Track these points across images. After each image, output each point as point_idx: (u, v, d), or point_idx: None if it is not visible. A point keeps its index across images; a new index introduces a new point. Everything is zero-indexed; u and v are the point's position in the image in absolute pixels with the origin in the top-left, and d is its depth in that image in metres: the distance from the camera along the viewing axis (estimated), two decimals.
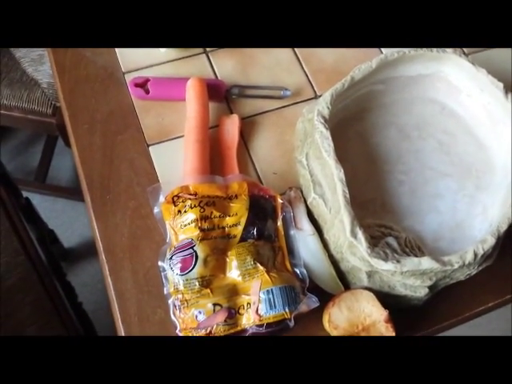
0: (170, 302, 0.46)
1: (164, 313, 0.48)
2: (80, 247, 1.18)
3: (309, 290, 0.47)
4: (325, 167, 0.48)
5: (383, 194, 0.51)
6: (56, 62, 0.61)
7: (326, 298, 0.46)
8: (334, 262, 0.48)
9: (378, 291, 0.46)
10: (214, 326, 0.44)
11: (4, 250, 0.72)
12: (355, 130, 0.55)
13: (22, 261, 0.72)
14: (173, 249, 0.47)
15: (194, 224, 0.47)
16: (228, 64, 0.62)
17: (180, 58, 0.62)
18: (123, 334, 0.48)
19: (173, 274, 0.46)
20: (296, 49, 0.63)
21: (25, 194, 0.96)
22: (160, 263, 0.48)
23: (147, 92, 0.58)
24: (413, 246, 0.48)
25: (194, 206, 0.47)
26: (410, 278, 0.44)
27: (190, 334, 0.44)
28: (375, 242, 0.46)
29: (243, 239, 0.47)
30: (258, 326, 0.44)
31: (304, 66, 0.62)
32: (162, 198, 0.50)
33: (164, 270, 0.47)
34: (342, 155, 0.47)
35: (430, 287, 0.46)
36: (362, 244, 0.43)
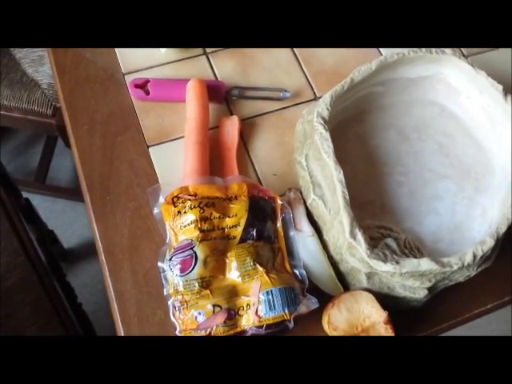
0: (169, 302, 0.46)
1: (164, 314, 0.48)
2: (80, 248, 1.18)
3: (308, 291, 0.47)
4: (324, 168, 0.48)
5: (383, 196, 0.52)
6: (56, 62, 0.61)
7: (325, 299, 0.46)
8: (334, 263, 0.48)
9: (377, 292, 0.46)
10: (214, 327, 0.44)
11: (4, 251, 0.72)
12: (355, 131, 0.55)
13: (21, 261, 0.72)
14: (172, 250, 0.47)
15: (193, 225, 0.47)
16: (228, 65, 0.62)
17: (180, 60, 0.62)
18: (123, 335, 0.48)
19: (172, 274, 0.46)
20: (296, 50, 0.63)
21: (25, 194, 0.96)
22: (160, 264, 0.48)
23: (147, 93, 0.58)
24: (412, 248, 0.48)
25: (194, 206, 0.47)
26: (410, 279, 0.44)
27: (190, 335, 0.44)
28: (374, 243, 0.46)
29: (243, 240, 0.48)
30: (257, 327, 0.44)
31: (304, 68, 0.62)
32: (161, 199, 0.50)
33: (164, 270, 0.47)
34: (341, 157, 0.47)
35: (430, 289, 0.46)
36: (361, 245, 0.43)
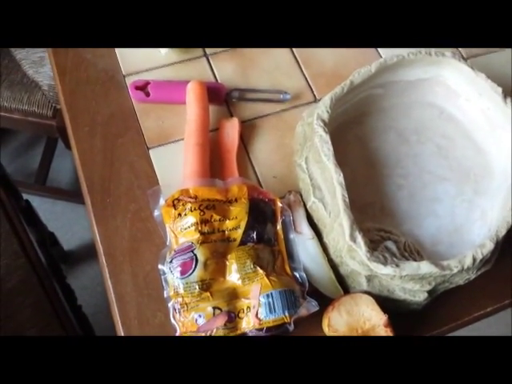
0: (169, 305, 0.46)
1: (164, 316, 0.48)
2: (80, 250, 1.18)
3: (308, 294, 0.47)
4: (324, 171, 0.48)
5: (382, 198, 0.52)
6: (57, 64, 0.61)
7: (325, 301, 0.46)
8: (334, 266, 0.49)
9: (377, 295, 0.46)
10: (214, 330, 0.44)
11: (4, 253, 0.72)
12: (354, 133, 0.55)
13: (21, 263, 0.72)
14: (173, 252, 0.47)
15: (194, 227, 0.47)
16: (228, 67, 0.62)
17: (180, 61, 0.62)
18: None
19: (173, 277, 0.46)
20: (296, 52, 0.64)
21: (25, 196, 0.96)
22: (160, 266, 0.48)
23: (147, 95, 0.58)
24: (412, 251, 0.48)
25: (194, 209, 0.48)
26: (409, 282, 0.44)
27: None
28: (374, 245, 0.46)
29: (243, 243, 0.48)
30: (257, 329, 0.44)
31: (304, 70, 0.62)
32: (162, 201, 0.50)
33: (164, 273, 0.47)
34: (341, 159, 0.47)
35: (429, 292, 0.46)
36: (361, 248, 0.43)
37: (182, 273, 0.45)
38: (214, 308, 0.45)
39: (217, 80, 0.61)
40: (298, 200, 0.52)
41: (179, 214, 0.48)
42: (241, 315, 0.45)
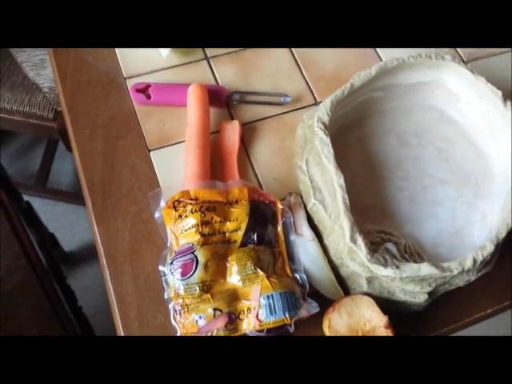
0: (170, 306, 0.46)
1: (164, 317, 0.48)
2: (80, 251, 1.18)
3: (309, 296, 0.47)
4: (325, 173, 0.48)
5: (383, 201, 0.52)
6: (58, 66, 0.62)
7: (325, 303, 0.47)
8: (334, 268, 0.49)
9: (377, 297, 0.46)
10: (215, 331, 0.44)
11: (4, 254, 0.72)
12: (355, 136, 0.55)
13: (22, 264, 0.72)
14: (173, 253, 0.47)
15: (194, 229, 0.47)
16: (229, 70, 0.62)
17: (181, 64, 0.62)
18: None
19: (173, 278, 0.46)
20: (296, 55, 0.64)
21: (25, 197, 0.96)
22: (161, 268, 0.48)
23: (148, 97, 0.58)
24: (412, 252, 0.48)
25: (195, 210, 0.48)
26: (410, 283, 0.45)
27: None
28: (375, 247, 0.46)
29: (243, 244, 0.48)
30: (258, 331, 0.44)
31: (304, 73, 0.63)
32: (162, 203, 0.50)
33: (165, 274, 0.47)
34: (341, 161, 0.47)
35: (430, 293, 0.46)
36: (361, 250, 0.44)
37: (183, 274, 0.46)
38: (215, 309, 0.45)
39: (218, 83, 0.61)
40: (299, 202, 0.52)
41: (180, 216, 0.48)
42: (241, 317, 0.45)
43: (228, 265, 0.47)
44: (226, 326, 0.44)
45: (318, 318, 0.46)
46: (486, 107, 0.53)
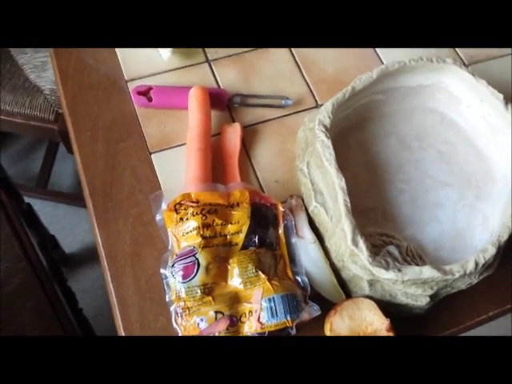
0: (171, 309, 0.46)
1: (166, 320, 0.48)
2: (81, 253, 1.18)
3: (310, 299, 0.47)
4: (326, 176, 0.48)
5: (384, 203, 0.52)
6: (59, 69, 0.62)
7: (327, 306, 0.47)
8: (336, 271, 0.49)
9: (379, 300, 0.46)
10: (216, 334, 0.44)
11: (5, 256, 0.72)
12: (356, 139, 0.55)
13: (22, 266, 0.72)
14: (175, 256, 0.47)
15: (195, 231, 0.47)
16: (230, 73, 0.62)
17: (182, 67, 0.62)
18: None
19: (175, 281, 0.46)
20: (297, 58, 0.64)
21: (26, 199, 0.96)
22: (162, 270, 0.48)
23: (150, 100, 0.58)
24: (414, 255, 0.48)
25: (196, 213, 0.48)
26: (412, 286, 0.45)
27: None
28: (376, 250, 0.46)
29: (245, 247, 0.48)
30: (259, 334, 0.44)
31: (305, 76, 0.63)
32: (164, 206, 0.50)
33: (166, 277, 0.47)
34: (343, 164, 0.47)
35: (431, 296, 0.46)
36: (363, 253, 0.44)
37: (184, 277, 0.46)
38: (216, 312, 0.45)
39: (219, 85, 0.61)
40: (300, 204, 0.52)
41: (181, 219, 0.48)
42: (243, 319, 0.45)
43: (229, 267, 0.47)
44: (227, 328, 0.44)
45: (319, 321, 0.46)
46: (487, 110, 0.53)
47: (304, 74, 0.63)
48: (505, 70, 0.64)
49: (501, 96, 0.51)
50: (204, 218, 0.48)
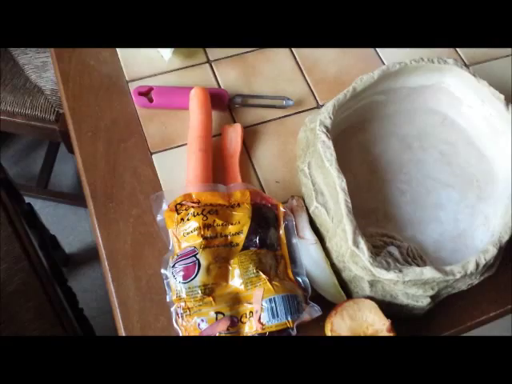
0: (172, 309, 0.46)
1: (166, 320, 0.48)
2: (81, 253, 1.18)
3: (311, 299, 0.47)
4: (327, 176, 0.48)
5: (385, 204, 0.52)
6: (60, 69, 0.62)
7: (328, 306, 0.47)
8: (336, 271, 0.49)
9: (380, 300, 0.46)
10: (217, 335, 0.44)
11: (5, 256, 0.72)
12: (357, 139, 0.55)
13: (23, 266, 0.72)
14: (175, 256, 0.47)
15: (196, 232, 0.47)
16: (231, 73, 0.62)
17: (183, 67, 0.62)
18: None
19: (175, 281, 0.46)
20: (298, 59, 0.64)
21: (27, 199, 0.96)
22: (163, 271, 0.48)
23: (151, 100, 0.58)
24: (415, 256, 0.48)
25: (197, 214, 0.48)
26: (412, 287, 0.44)
27: None
28: (377, 251, 0.46)
29: (246, 247, 0.48)
30: (260, 334, 0.44)
31: (306, 76, 0.63)
32: (164, 206, 0.50)
33: (167, 277, 0.47)
34: (344, 165, 0.47)
35: (432, 297, 0.46)
36: (364, 253, 0.44)
37: (185, 277, 0.46)
38: (217, 313, 0.45)
39: (220, 86, 0.61)
40: (301, 205, 0.52)
41: (182, 219, 0.48)
42: (243, 320, 0.45)
43: (230, 268, 0.47)
44: (228, 329, 0.44)
45: (320, 322, 0.46)
46: (489, 111, 0.53)
47: (305, 74, 0.63)
48: (506, 70, 0.64)
49: (502, 97, 0.51)
50: (205, 218, 0.48)
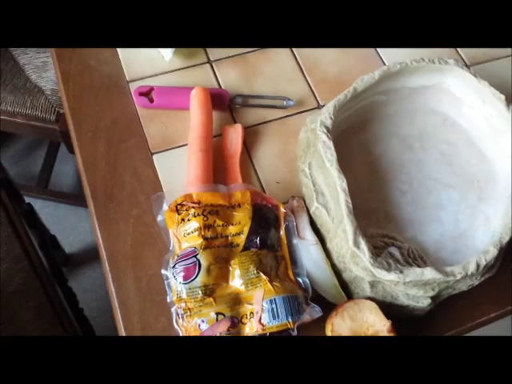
0: (172, 310, 0.46)
1: (167, 321, 0.48)
2: (81, 253, 1.18)
3: (311, 300, 0.47)
4: (327, 177, 0.48)
5: (386, 204, 0.52)
6: (61, 69, 0.62)
7: (328, 307, 0.46)
8: (337, 272, 0.49)
9: (380, 301, 0.46)
10: (217, 335, 0.44)
11: (6, 256, 0.72)
12: (358, 140, 0.55)
13: (23, 266, 0.72)
14: (176, 257, 0.47)
15: (197, 232, 0.47)
16: (232, 74, 0.62)
17: (184, 68, 0.62)
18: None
19: (176, 282, 0.46)
20: (299, 59, 0.64)
21: (27, 199, 0.96)
22: (163, 271, 0.48)
23: (151, 101, 0.58)
24: (415, 257, 0.48)
25: (198, 214, 0.48)
26: (413, 288, 0.44)
27: None
28: (378, 251, 0.46)
29: (246, 248, 0.48)
30: (261, 335, 0.44)
31: (307, 76, 0.63)
32: (165, 207, 0.50)
33: (167, 278, 0.47)
34: (344, 165, 0.47)
35: (433, 297, 0.46)
36: (364, 254, 0.44)
37: (185, 278, 0.46)
38: (217, 313, 0.45)
39: (220, 86, 0.61)
40: (301, 205, 0.52)
41: (182, 219, 0.48)
42: (244, 321, 0.45)
43: (230, 268, 0.47)
44: (228, 329, 0.44)
45: (320, 323, 0.46)
46: (489, 111, 0.53)
47: (305, 74, 0.63)
48: (507, 70, 0.64)
49: (502, 97, 0.51)
50: (205, 218, 0.47)
